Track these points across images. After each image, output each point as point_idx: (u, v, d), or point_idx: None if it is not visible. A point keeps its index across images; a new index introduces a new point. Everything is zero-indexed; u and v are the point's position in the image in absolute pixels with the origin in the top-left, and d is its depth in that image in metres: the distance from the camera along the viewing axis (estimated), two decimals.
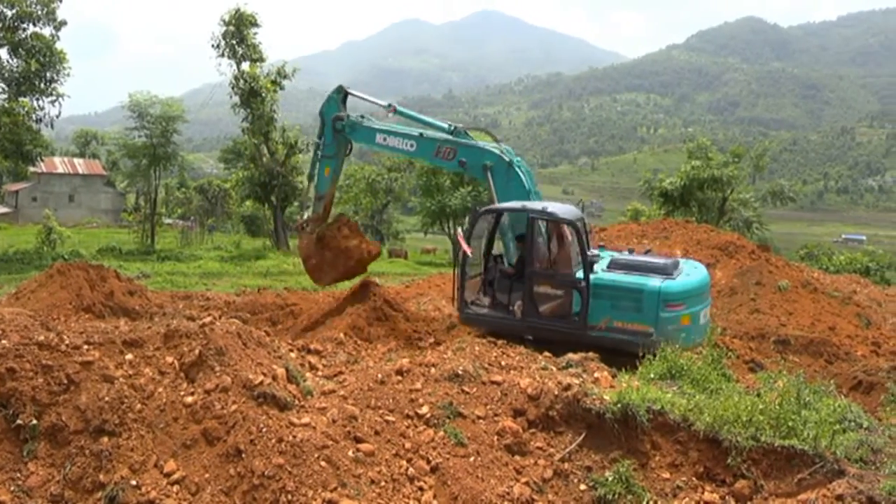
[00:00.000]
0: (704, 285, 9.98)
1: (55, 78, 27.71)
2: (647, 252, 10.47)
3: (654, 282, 9.17)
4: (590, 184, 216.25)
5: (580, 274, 9.41)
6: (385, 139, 12.44)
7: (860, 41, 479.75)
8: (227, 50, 36.40)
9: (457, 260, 10.92)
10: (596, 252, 10.04)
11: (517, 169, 11.23)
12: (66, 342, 5.53)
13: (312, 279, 14.05)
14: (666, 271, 9.43)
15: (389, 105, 13.03)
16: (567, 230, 9.86)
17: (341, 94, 13.09)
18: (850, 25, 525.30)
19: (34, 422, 5.00)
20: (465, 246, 10.03)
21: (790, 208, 54.88)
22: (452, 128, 11.98)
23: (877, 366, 10.77)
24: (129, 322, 7.10)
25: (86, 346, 5.59)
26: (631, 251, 10.70)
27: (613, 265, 9.72)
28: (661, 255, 11.83)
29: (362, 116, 12.98)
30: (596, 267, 9.52)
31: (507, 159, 11.24)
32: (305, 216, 13.74)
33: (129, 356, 5.70)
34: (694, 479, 5.45)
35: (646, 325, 9.07)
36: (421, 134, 12.14)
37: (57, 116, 28.71)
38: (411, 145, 12.15)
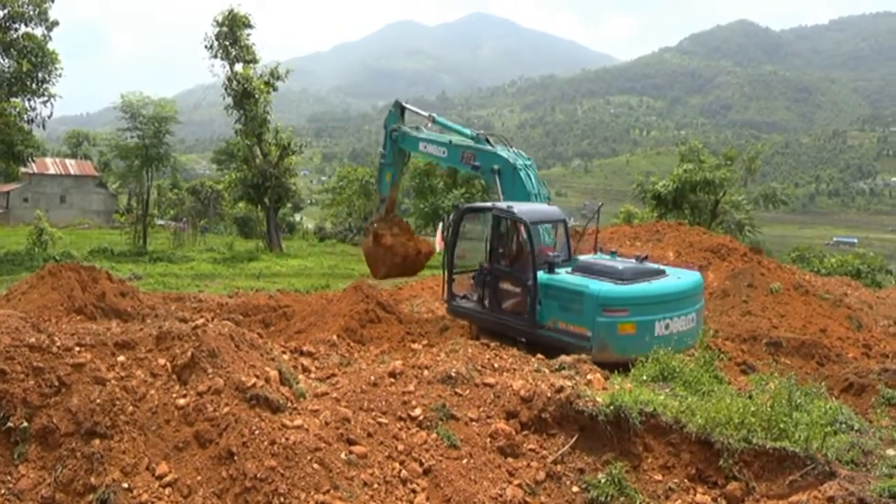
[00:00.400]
0: (671, 295, 9.41)
1: (47, 78, 27.63)
2: (643, 258, 10.41)
3: (595, 286, 9.09)
4: (583, 186, 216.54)
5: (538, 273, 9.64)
6: (425, 146, 13.98)
7: (851, 45, 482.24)
8: (221, 51, 36.34)
9: (444, 257, 11.35)
10: (557, 254, 10.27)
11: (521, 172, 11.85)
12: (58, 344, 5.51)
13: (370, 272, 15.85)
14: (620, 277, 9.24)
15: (429, 115, 14.56)
16: (524, 230, 10.04)
17: (398, 108, 14.70)
18: (842, 29, 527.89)
19: (25, 424, 4.97)
20: (439, 241, 10.52)
21: (782, 211, 55.07)
22: (475, 135, 13.37)
23: (868, 368, 10.81)
24: (121, 324, 7.07)
25: (77, 348, 5.56)
26: (637, 258, 10.57)
27: (577, 267, 9.78)
28: (655, 262, 11.82)
29: (416, 128, 14.43)
30: (560, 269, 9.65)
31: (512, 163, 12.00)
32: (373, 216, 15.68)
33: (120, 358, 5.68)
34: (686, 480, 5.46)
35: (584, 328, 9.06)
36: (450, 141, 13.47)
37: (49, 117, 28.62)
38: (443, 152, 13.53)
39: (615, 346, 8.64)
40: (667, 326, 9.08)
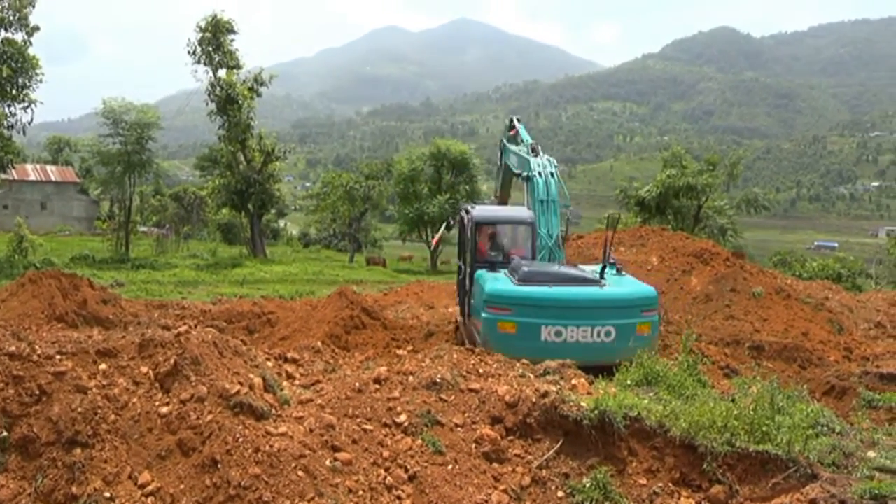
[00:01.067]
0: (567, 303, 9.02)
1: (27, 84, 27.41)
2: (612, 264, 10.49)
3: (490, 284, 9.22)
4: (567, 191, 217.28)
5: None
6: (510, 156, 14.47)
7: (831, 51, 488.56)
8: (204, 57, 36.23)
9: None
10: (494, 254, 10.91)
11: (539, 179, 12.02)
12: (38, 352, 5.45)
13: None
14: (520, 277, 9.24)
15: (512, 122, 15.35)
16: (469, 229, 10.74)
17: (509, 122, 15.53)
18: (821, 36, 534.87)
19: (4, 434, 4.91)
20: (434, 241, 11.57)
21: (764, 216, 55.58)
22: (529, 143, 13.79)
23: (849, 371, 10.93)
24: (103, 331, 7.00)
25: (58, 357, 5.51)
26: (613, 264, 10.65)
27: (510, 268, 10.04)
28: (636, 267, 12.08)
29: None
30: (503, 269, 10.01)
31: (535, 172, 12.19)
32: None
33: (102, 366, 5.62)
34: (670, 484, 5.49)
35: (479, 322, 9.25)
36: (519, 152, 13.90)
37: (29, 123, 28.38)
38: (516, 161, 13.89)
39: (494, 344, 8.48)
40: (558, 334, 8.80)
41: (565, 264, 11.02)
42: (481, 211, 11.22)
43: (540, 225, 11.13)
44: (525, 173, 12.55)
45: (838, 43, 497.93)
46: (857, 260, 39.54)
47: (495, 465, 5.55)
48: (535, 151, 12.99)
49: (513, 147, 14.77)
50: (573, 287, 9.25)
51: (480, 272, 9.99)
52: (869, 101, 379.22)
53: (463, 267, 11.16)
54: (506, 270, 9.98)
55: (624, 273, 10.54)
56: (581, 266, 10.96)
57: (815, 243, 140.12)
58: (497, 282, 9.17)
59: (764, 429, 5.46)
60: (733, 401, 6.13)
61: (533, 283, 9.16)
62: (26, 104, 27.51)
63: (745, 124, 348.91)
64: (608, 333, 8.91)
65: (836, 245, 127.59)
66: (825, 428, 6.10)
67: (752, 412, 5.63)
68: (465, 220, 11.15)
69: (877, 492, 4.72)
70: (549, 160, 12.65)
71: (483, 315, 8.94)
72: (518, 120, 15.18)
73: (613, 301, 9.25)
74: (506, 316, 8.84)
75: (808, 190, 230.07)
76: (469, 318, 10.26)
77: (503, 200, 16.13)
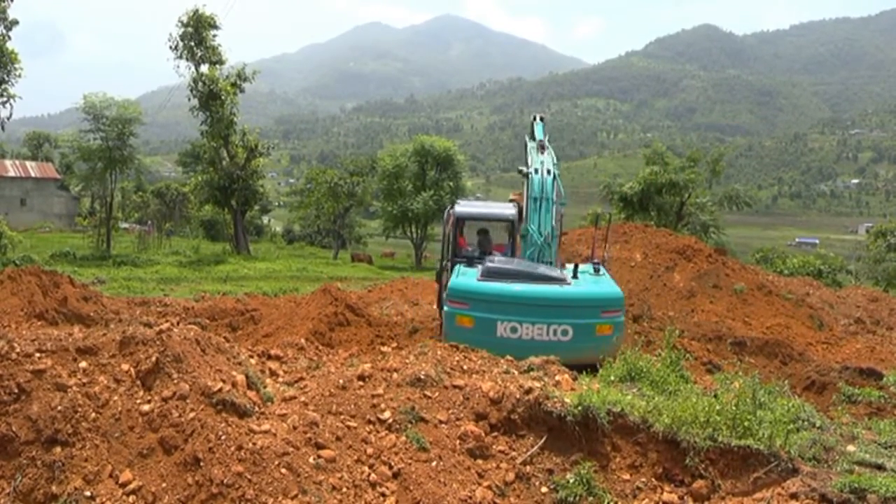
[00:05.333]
0: (524, 300, 9.09)
1: (6, 79, 27.04)
2: (596, 263, 10.60)
3: (457, 278, 9.41)
4: (563, 190, 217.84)
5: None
6: (529, 152, 14.22)
7: (812, 50, 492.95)
8: (186, 52, 35.89)
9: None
10: (471, 249, 11.28)
11: (535, 177, 11.95)
12: (17, 350, 5.38)
13: None
14: (484, 272, 9.38)
15: (539, 116, 14.84)
16: (459, 224, 10.88)
17: (533, 119, 14.75)
18: (802, 34, 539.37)
19: None
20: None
21: (745, 213, 55.97)
22: (537, 140, 13.49)
23: (829, 366, 11.05)
24: (84, 329, 6.93)
25: (38, 354, 5.44)
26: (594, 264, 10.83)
27: (483, 263, 10.13)
28: (621, 263, 12.17)
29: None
30: (477, 263, 10.20)
31: (532, 169, 12.12)
32: None
33: (83, 364, 5.57)
34: (653, 479, 5.52)
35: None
36: (528, 150, 13.54)
37: (8, 118, 28.01)
38: (530, 157, 13.70)
39: (452, 337, 8.50)
40: (513, 330, 8.88)
41: (559, 263, 11.05)
42: (464, 207, 11.35)
43: (531, 222, 11.06)
44: (525, 170, 12.51)
45: (819, 41, 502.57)
46: (837, 256, 39.95)
47: (479, 461, 5.56)
48: (542, 149, 12.89)
49: (529, 144, 14.84)
50: (533, 285, 9.28)
51: (456, 266, 10.16)
52: (849, 99, 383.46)
53: (443, 261, 11.25)
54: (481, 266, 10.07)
55: (602, 272, 10.56)
56: (567, 264, 11.00)
57: (797, 240, 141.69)
58: (460, 276, 9.26)
59: (746, 424, 5.50)
60: (715, 396, 6.17)
61: (494, 278, 9.22)
62: (5, 99, 27.16)
63: (727, 122, 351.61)
64: (565, 332, 8.94)
65: (816, 241, 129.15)
66: (806, 423, 6.16)
67: (734, 407, 5.67)
68: (447, 216, 11.31)
69: (856, 485, 4.78)
70: (550, 158, 12.59)
71: (445, 308, 9.09)
72: (541, 118, 14.76)
73: (571, 300, 9.26)
74: (464, 310, 8.96)
75: (790, 187, 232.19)
76: (441, 311, 10.42)
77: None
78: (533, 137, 14.69)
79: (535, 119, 14.85)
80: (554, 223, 11.27)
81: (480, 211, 11.70)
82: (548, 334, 8.91)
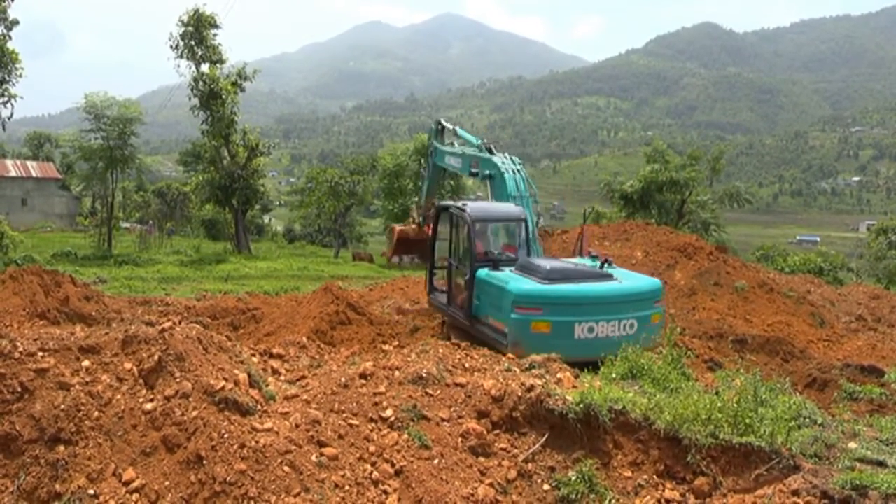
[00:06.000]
0: (596, 298, 9.23)
1: (7, 78, 27.01)
2: (605, 260, 10.55)
3: (514, 283, 9.17)
4: (551, 186, 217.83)
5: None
6: (448, 159, 15.18)
7: (812, 47, 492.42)
8: (186, 51, 35.86)
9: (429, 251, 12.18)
10: (500, 253, 10.69)
11: (507, 176, 12.40)
12: (20, 349, 5.39)
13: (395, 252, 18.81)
14: (543, 276, 9.22)
15: (453, 129, 15.90)
16: (466, 227, 10.41)
17: (437, 126, 16.12)
18: (803, 32, 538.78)
19: None
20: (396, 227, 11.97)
21: (746, 210, 56.05)
22: (479, 143, 14.32)
23: (830, 363, 11.06)
24: (86, 328, 6.95)
25: (40, 353, 5.46)
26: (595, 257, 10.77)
27: (518, 266, 9.93)
28: (622, 261, 12.09)
29: (451, 143, 15.70)
30: (506, 267, 9.92)
31: (502, 169, 12.61)
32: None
33: (85, 363, 5.58)
34: (655, 477, 5.53)
35: (503, 324, 9.16)
36: (463, 152, 14.61)
37: (9, 118, 27.99)
38: (459, 162, 14.65)
39: (528, 345, 8.45)
40: (590, 330, 8.93)
41: (548, 258, 11.09)
42: (476, 209, 10.68)
43: None
44: (488, 171, 12.77)
45: (820, 39, 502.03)
46: (838, 254, 40.00)
47: (481, 458, 5.57)
48: (490, 150, 13.42)
49: (454, 149, 15.00)
50: (595, 283, 9.40)
51: (485, 271, 9.77)
52: (850, 96, 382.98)
53: (456, 265, 10.82)
54: (511, 269, 9.84)
55: (614, 265, 10.65)
56: (565, 259, 11.04)
57: (797, 237, 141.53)
58: (521, 282, 9.08)
59: (747, 421, 5.51)
60: (717, 393, 6.18)
61: (558, 280, 9.19)
62: (6, 99, 27.14)
63: (727, 120, 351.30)
64: (632, 326, 9.16)
65: (817, 239, 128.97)
66: (807, 420, 6.17)
67: (735, 405, 5.67)
68: (457, 218, 10.81)
69: (858, 482, 4.79)
70: (511, 158, 13.03)
71: (512, 316, 8.85)
72: (446, 122, 15.76)
73: (634, 294, 9.49)
74: (538, 316, 8.83)
75: (790, 185, 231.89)
76: (475, 319, 9.87)
77: (428, 209, 16.25)
78: (442, 139, 15.04)
79: (442, 123, 15.76)
80: (535, 219, 11.42)
81: (496, 212, 11.26)
82: (619, 329, 9.08)
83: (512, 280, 9.23)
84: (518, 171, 12.51)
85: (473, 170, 13.68)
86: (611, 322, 9.04)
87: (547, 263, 9.74)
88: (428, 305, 12.60)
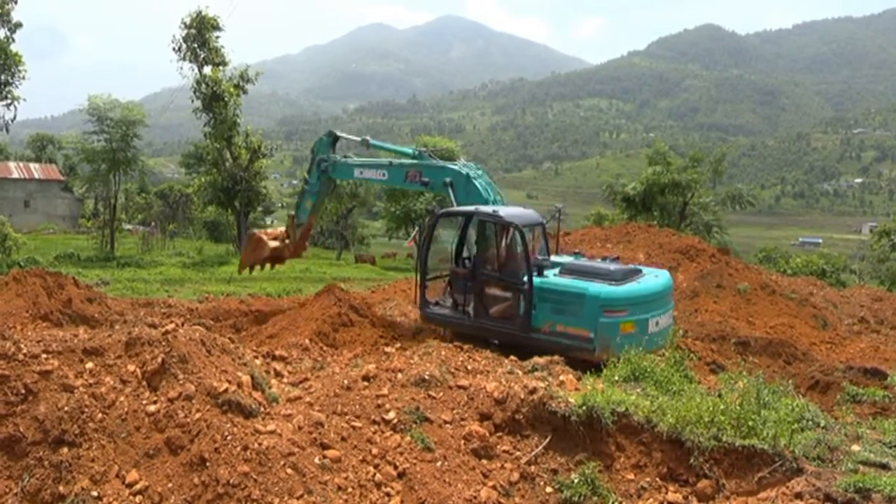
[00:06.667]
0: (657, 293, 9.77)
1: (10, 81, 27.11)
2: (614, 259, 10.60)
3: (596, 287, 9.21)
4: (553, 188, 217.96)
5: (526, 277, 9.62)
6: (362, 172, 13.85)
7: (814, 49, 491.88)
8: (189, 53, 35.94)
9: (417, 262, 11.44)
10: (544, 257, 10.47)
11: (475, 182, 11.86)
12: (24, 351, 5.41)
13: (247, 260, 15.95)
14: (612, 277, 9.41)
15: (364, 140, 14.24)
16: (514, 234, 10.02)
17: (331, 138, 14.32)
18: (805, 34, 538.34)
19: None
20: (409, 242, 10.68)
21: (748, 212, 55.99)
22: (417, 152, 13.41)
23: (833, 366, 11.04)
24: (89, 330, 6.96)
25: (44, 356, 5.47)
26: (605, 259, 10.85)
27: (564, 270, 9.84)
28: (625, 262, 12.05)
29: (346, 156, 14.30)
30: (548, 272, 9.72)
31: (464, 173, 11.98)
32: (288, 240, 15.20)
33: (89, 365, 5.59)
34: (658, 479, 5.52)
35: (585, 329, 9.14)
36: (390, 163, 13.32)
37: (12, 120, 28.09)
38: (383, 174, 13.33)
39: (617, 346, 8.57)
40: (657, 324, 9.50)
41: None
42: (516, 215, 10.35)
43: None
44: (448, 179, 12.08)
45: (822, 41, 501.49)
46: (840, 256, 39.94)
47: (484, 461, 5.57)
48: (446, 159, 12.98)
49: (372, 160, 14.02)
50: (649, 280, 9.94)
51: (543, 279, 9.60)
52: (852, 98, 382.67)
53: (492, 275, 10.21)
54: (555, 272, 9.75)
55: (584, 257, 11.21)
56: (589, 258, 11.21)
57: (800, 239, 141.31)
58: (599, 286, 9.24)
59: (750, 423, 5.51)
60: (720, 396, 6.17)
61: (624, 281, 9.51)
62: (9, 101, 27.24)
63: (729, 121, 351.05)
64: (672, 315, 10.25)
65: (820, 241, 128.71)
66: (810, 422, 6.16)
67: (738, 407, 5.67)
68: (498, 227, 10.25)
69: (861, 485, 4.78)
70: (467, 164, 12.54)
71: (601, 321, 9.04)
72: (343, 133, 14.52)
73: (671, 287, 10.55)
74: (625, 317, 9.14)
75: (793, 187, 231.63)
76: (531, 329, 9.56)
77: (308, 229, 15.14)
78: (333, 150, 13.97)
79: (334, 136, 14.21)
80: None
81: (529, 218, 10.87)
82: (667, 321, 9.91)
83: (590, 285, 9.27)
84: (480, 175, 12.15)
85: (423, 179, 12.60)
86: (665, 314, 9.87)
87: (607, 265, 10.01)
88: (422, 321, 11.59)
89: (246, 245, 16.11)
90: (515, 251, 10.02)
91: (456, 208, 11.50)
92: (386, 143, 15.19)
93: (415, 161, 13.10)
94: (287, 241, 15.04)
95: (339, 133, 14.52)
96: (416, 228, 14.77)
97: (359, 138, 14.39)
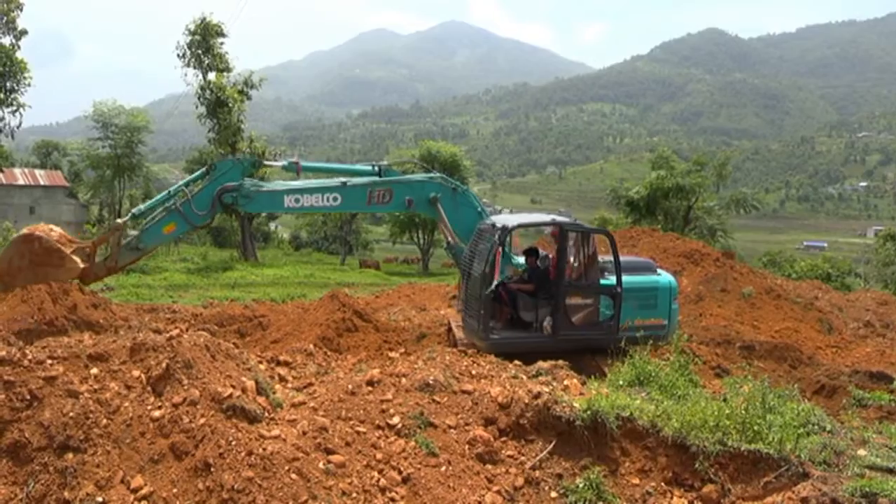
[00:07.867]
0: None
1: (16, 88, 27.22)
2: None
3: (664, 279, 10.32)
4: (557, 193, 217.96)
5: (604, 281, 9.86)
6: (297, 200, 10.68)
7: (818, 53, 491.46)
8: (193, 60, 36.09)
9: (469, 284, 10.20)
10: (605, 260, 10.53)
11: (462, 193, 11.12)
12: (29, 357, 5.42)
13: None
14: (654, 269, 10.69)
15: (292, 163, 11.38)
16: (608, 240, 10.06)
17: (245, 163, 11.26)
18: (808, 37, 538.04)
19: None
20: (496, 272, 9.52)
21: (753, 216, 55.84)
22: (377, 168, 11.27)
23: (838, 370, 11.00)
24: (94, 336, 6.97)
25: (49, 361, 5.48)
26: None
27: (610, 269, 10.13)
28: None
29: (261, 178, 11.50)
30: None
31: (450, 186, 11.01)
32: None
33: (94, 370, 5.60)
34: (663, 484, 5.51)
35: (661, 318, 10.10)
36: (344, 183, 10.76)
37: (18, 127, 28.20)
38: (335, 199, 10.73)
39: (676, 327, 10.20)
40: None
41: None
42: (575, 224, 10.31)
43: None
44: (433, 193, 10.73)
45: (825, 44, 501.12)
46: (845, 260, 39.92)
47: (489, 466, 5.56)
48: (390, 171, 11.27)
49: (310, 182, 11.15)
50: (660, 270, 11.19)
51: (633, 278, 10.07)
52: (856, 101, 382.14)
53: (583, 284, 9.87)
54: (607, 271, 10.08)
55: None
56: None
57: (804, 243, 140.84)
58: (665, 278, 10.46)
59: (755, 428, 5.49)
60: (725, 400, 6.16)
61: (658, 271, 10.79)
62: (14, 108, 27.34)
63: (733, 125, 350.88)
64: None
65: (825, 245, 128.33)
66: (816, 427, 6.14)
67: (743, 411, 5.66)
68: (581, 236, 9.91)
69: (867, 490, 4.76)
70: (443, 176, 11.44)
71: (673, 307, 10.31)
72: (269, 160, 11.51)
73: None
74: (678, 303, 10.70)
75: (797, 190, 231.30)
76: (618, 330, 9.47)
77: (139, 258, 11.93)
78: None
79: (256, 162, 11.86)
80: None
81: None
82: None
83: (658, 278, 10.39)
84: (462, 183, 12.06)
85: (408, 198, 10.78)
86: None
87: (638, 259, 11.48)
88: (487, 352, 8.77)
89: (20, 248, 10.76)
90: (594, 257, 9.87)
91: (534, 220, 10.76)
92: (325, 164, 13.05)
93: (379, 179, 10.98)
94: (100, 260, 11.56)
95: (264, 161, 11.69)
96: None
97: (284, 162, 11.67)
